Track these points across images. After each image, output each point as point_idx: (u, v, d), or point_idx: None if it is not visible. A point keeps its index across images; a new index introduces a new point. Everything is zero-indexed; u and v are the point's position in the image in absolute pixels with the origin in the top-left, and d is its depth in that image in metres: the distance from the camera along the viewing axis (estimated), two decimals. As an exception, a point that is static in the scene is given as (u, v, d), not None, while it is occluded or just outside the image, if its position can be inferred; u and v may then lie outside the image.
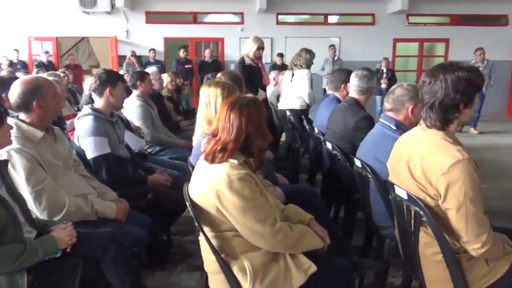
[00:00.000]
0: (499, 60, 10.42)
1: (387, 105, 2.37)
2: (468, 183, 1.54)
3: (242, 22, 10.45)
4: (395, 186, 1.80)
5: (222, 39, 10.53)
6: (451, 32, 10.62)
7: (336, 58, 9.48)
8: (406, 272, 1.98)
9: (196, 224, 1.68)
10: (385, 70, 9.49)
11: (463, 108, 1.64)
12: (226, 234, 1.67)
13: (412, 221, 1.73)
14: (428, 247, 1.70)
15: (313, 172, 4.06)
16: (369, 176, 2.22)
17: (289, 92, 5.00)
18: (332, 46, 9.52)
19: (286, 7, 10.32)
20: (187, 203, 1.72)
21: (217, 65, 9.60)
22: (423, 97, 1.69)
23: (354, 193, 2.70)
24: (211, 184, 1.63)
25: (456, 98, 1.61)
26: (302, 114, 4.65)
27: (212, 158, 1.67)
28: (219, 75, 3.27)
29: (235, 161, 1.65)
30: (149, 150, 3.81)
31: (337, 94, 3.60)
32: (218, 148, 1.66)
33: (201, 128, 2.39)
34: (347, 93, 3.38)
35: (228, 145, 1.65)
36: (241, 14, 10.42)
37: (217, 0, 10.04)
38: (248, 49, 4.50)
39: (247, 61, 4.53)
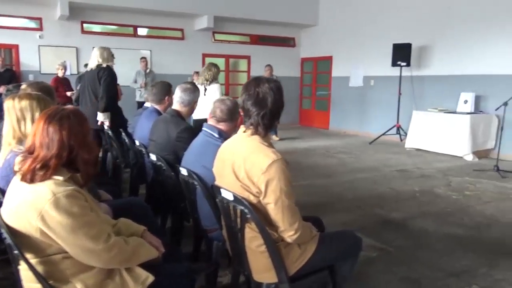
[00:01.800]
0: (291, 76, 12.17)
1: (221, 115, 2.52)
2: (283, 179, 1.80)
3: (40, 29, 9.44)
4: (221, 189, 1.95)
5: (16, 46, 9.30)
6: (252, 50, 11.85)
7: (148, 70, 9.46)
8: (235, 267, 2.16)
9: (15, 252, 1.49)
10: (196, 83, 9.93)
11: (281, 114, 1.92)
12: (54, 258, 1.53)
13: (238, 219, 1.91)
14: (253, 240, 1.90)
15: (135, 185, 3.99)
16: (196, 183, 2.34)
17: (205, 105, 5.10)
18: (143, 58, 9.46)
19: (91, 16, 9.80)
20: (2, 230, 1.51)
21: (11, 75, 8.39)
22: (249, 109, 1.88)
23: (180, 202, 2.78)
24: (33, 205, 1.47)
25: (280, 105, 1.88)
26: None
27: (31, 177, 1.51)
28: (23, 86, 2.92)
29: (60, 178, 1.53)
30: None
31: (158, 107, 3.64)
32: (38, 166, 1.51)
33: (8, 146, 2.11)
34: (170, 105, 3.45)
35: (50, 162, 1.52)
36: (39, 19, 9.41)
37: (8, 2, 8.83)
38: (109, 59, 4.68)
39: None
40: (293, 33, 12.39)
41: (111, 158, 4.78)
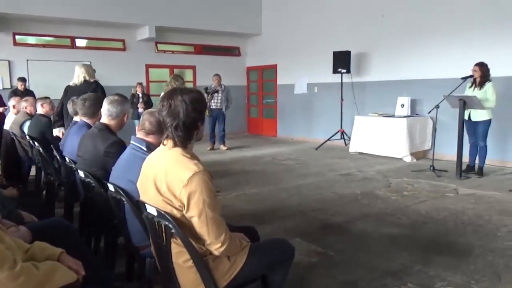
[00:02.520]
0: (237, 85, 12.19)
1: (150, 127, 2.45)
2: (205, 191, 1.75)
3: (-33, 41, 8.88)
4: (146, 204, 1.88)
5: None
6: (197, 60, 11.76)
7: (88, 83, 9.12)
8: (164, 284, 2.08)
9: None
10: (140, 95, 9.72)
11: (200, 125, 1.87)
12: (-50, 292, 1.40)
13: (164, 235, 1.84)
14: (179, 256, 1.84)
15: (69, 204, 3.80)
16: (123, 199, 2.25)
17: None
18: (83, 70, 9.11)
19: (24, 27, 9.31)
20: None
21: None
22: (165, 121, 1.83)
23: (112, 219, 2.67)
24: None
25: (195, 116, 1.83)
26: None
27: None
28: None
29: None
30: None
31: (90, 121, 3.48)
32: None
33: None
34: (99, 118, 3.31)
35: None
36: (-35, 31, 8.85)
37: None
38: (93, 75, 5.15)
39: None
40: (237, 42, 12.45)
41: (44, 176, 4.54)
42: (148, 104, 9.64)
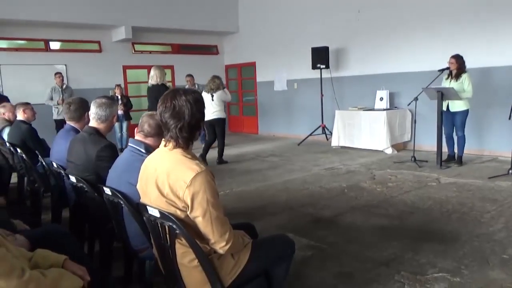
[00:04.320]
0: (216, 84, 12.12)
1: (149, 130, 2.44)
2: (209, 191, 1.76)
3: None
4: (147, 207, 1.88)
5: None
6: (174, 59, 11.66)
7: (64, 86, 8.94)
8: (168, 286, 2.08)
9: None
10: (119, 97, 9.57)
11: (202, 125, 1.89)
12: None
13: (168, 236, 1.85)
14: (184, 256, 1.85)
15: (57, 210, 3.73)
16: (121, 202, 2.23)
17: (212, 108, 7.02)
18: (58, 73, 8.91)
19: (-5, 31, 9.06)
20: None
21: None
22: (167, 122, 1.82)
23: (107, 223, 2.64)
24: None
25: (199, 117, 1.84)
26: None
27: None
28: None
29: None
30: None
31: (77, 125, 3.43)
32: None
33: None
34: (87, 122, 3.27)
35: None
36: None
37: None
38: (160, 77, 6.02)
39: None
40: (215, 40, 12.41)
41: (27, 183, 4.44)
42: (127, 105, 9.52)
